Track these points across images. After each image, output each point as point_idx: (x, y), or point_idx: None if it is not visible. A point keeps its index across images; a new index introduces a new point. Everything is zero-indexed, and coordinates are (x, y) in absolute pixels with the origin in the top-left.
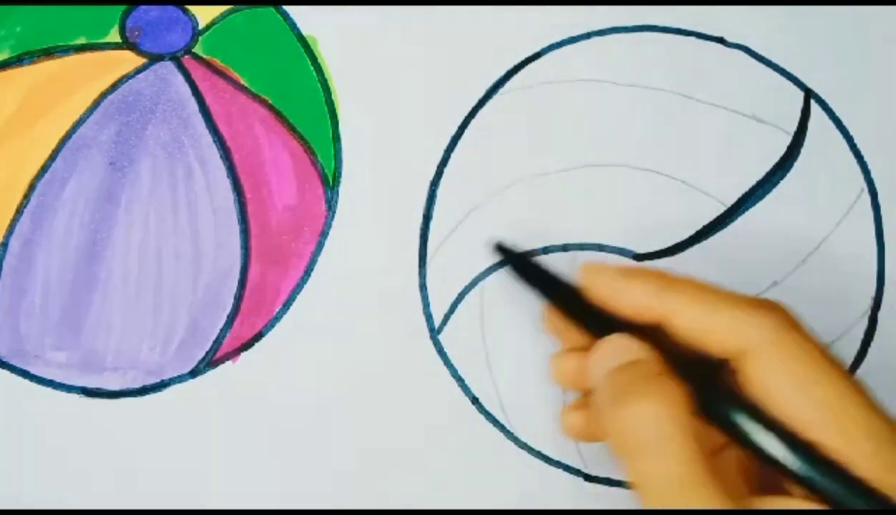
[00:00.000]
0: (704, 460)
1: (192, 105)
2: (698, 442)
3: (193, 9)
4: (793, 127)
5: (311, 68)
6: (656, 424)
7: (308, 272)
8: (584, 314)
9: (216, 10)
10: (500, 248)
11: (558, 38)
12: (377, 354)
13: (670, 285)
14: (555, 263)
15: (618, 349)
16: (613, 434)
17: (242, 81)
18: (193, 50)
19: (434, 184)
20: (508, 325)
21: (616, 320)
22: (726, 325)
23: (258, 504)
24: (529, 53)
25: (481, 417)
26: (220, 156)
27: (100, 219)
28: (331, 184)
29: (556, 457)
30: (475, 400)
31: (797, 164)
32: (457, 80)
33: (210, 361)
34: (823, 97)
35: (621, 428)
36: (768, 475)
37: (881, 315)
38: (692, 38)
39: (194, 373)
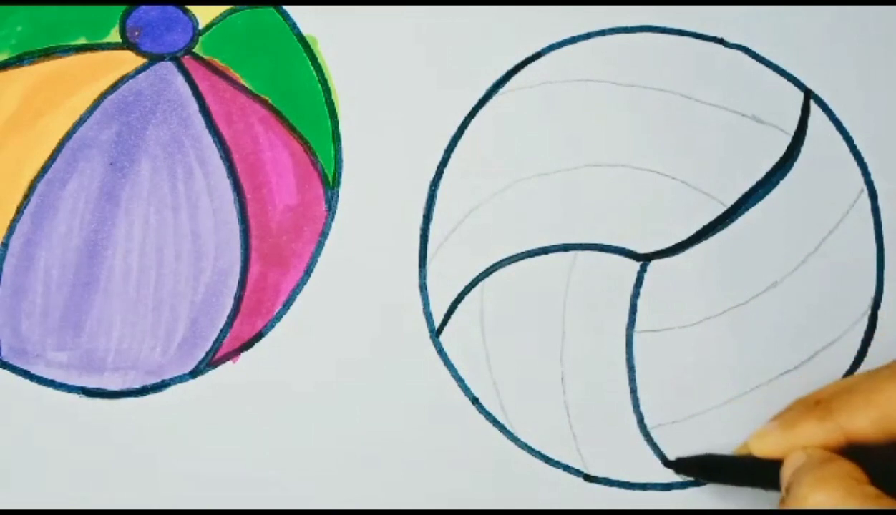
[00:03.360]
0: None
1: (193, 105)
2: (881, 501)
3: (193, 9)
4: (793, 127)
5: (311, 68)
6: (834, 503)
7: (308, 272)
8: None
9: (216, 10)
10: (680, 466)
11: (558, 38)
12: (377, 354)
13: (827, 404)
14: (556, 263)
15: (789, 462)
16: None
17: (242, 81)
18: (193, 50)
19: (434, 184)
20: (508, 325)
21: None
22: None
23: (258, 504)
24: (529, 53)
25: (481, 417)
26: (220, 156)
27: (100, 219)
28: (331, 184)
29: (556, 457)
30: (475, 400)
31: (797, 164)
32: (457, 80)
33: (210, 361)
34: (823, 97)
35: None
36: None
37: (881, 315)
38: (692, 38)
39: (194, 373)
